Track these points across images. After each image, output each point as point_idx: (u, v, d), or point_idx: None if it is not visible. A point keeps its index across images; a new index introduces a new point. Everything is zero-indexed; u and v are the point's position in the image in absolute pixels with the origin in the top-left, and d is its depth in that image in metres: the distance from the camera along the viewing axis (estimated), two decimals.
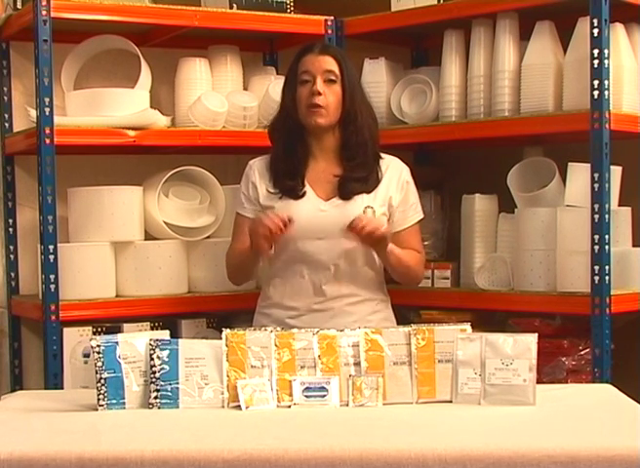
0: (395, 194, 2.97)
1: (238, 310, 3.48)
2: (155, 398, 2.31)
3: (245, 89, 3.72)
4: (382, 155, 3.02)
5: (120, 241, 3.40)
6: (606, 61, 3.11)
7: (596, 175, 3.12)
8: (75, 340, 3.28)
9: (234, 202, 3.14)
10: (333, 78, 2.92)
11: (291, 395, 2.33)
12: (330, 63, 2.93)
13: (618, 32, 3.26)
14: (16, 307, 3.58)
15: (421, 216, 3.04)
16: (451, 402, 2.37)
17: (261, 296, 3.05)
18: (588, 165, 3.14)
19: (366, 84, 3.62)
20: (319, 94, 2.89)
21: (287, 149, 2.97)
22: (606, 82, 3.11)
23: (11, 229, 3.60)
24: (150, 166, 3.61)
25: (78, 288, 3.30)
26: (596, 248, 3.11)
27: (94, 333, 3.27)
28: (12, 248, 3.61)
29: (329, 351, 2.38)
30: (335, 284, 2.92)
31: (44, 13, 3.18)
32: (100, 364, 2.30)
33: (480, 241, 3.54)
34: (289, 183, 2.94)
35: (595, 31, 3.10)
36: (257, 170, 3.02)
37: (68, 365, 3.27)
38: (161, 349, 2.33)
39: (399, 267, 2.95)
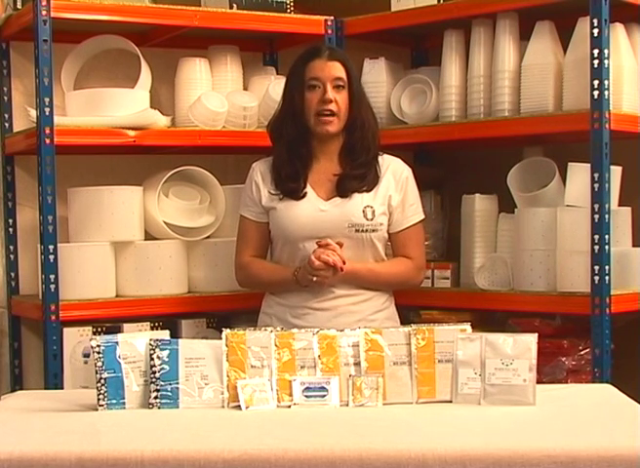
0: (395, 194, 2.98)
1: (238, 310, 3.48)
2: (155, 398, 2.31)
3: (245, 89, 3.72)
4: (384, 155, 3.03)
5: (120, 241, 3.40)
6: (606, 61, 3.11)
7: (596, 175, 3.12)
8: (75, 340, 3.28)
9: (238, 204, 3.13)
10: (341, 84, 2.93)
11: (291, 395, 2.33)
12: (338, 70, 2.93)
13: (618, 32, 3.26)
14: (16, 307, 3.58)
15: (422, 217, 3.05)
16: (451, 402, 2.37)
17: (266, 297, 3.06)
18: (588, 165, 3.14)
19: (366, 84, 3.62)
20: (331, 101, 2.90)
21: (290, 152, 2.97)
22: (606, 82, 3.11)
23: (11, 229, 3.60)
24: (150, 166, 3.61)
25: (78, 288, 3.30)
26: (596, 248, 3.11)
27: (94, 333, 3.27)
28: (12, 248, 3.61)
29: (329, 351, 2.38)
30: (338, 282, 2.93)
31: (44, 13, 3.18)
32: (100, 364, 2.30)
33: (480, 241, 3.54)
34: (291, 185, 2.95)
35: (595, 31, 3.10)
36: (259, 172, 3.03)
37: (68, 365, 3.27)
38: (161, 349, 2.33)
39: (376, 285, 2.98)
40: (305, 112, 2.94)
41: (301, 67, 2.96)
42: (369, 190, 2.95)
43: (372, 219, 2.93)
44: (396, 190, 2.99)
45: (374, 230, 2.93)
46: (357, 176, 2.95)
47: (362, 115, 2.96)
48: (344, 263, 2.83)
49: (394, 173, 3.01)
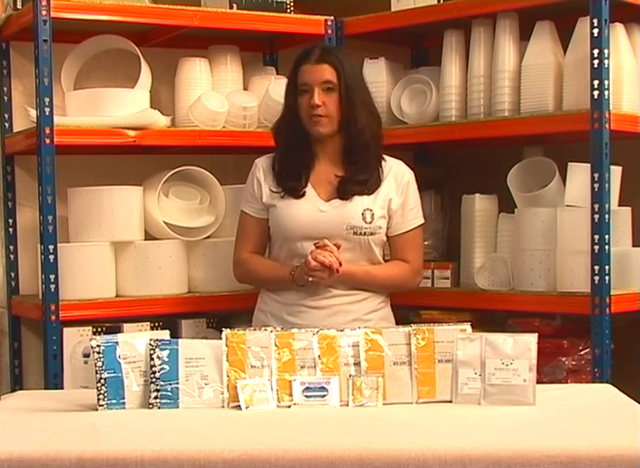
0: (395, 197, 2.97)
1: (238, 310, 3.48)
2: (155, 398, 2.31)
3: (245, 89, 3.72)
4: (387, 158, 3.02)
5: (120, 241, 3.40)
6: (606, 61, 3.11)
7: (596, 175, 3.12)
8: (75, 340, 3.28)
9: (238, 204, 3.13)
10: (331, 87, 2.92)
11: (291, 395, 2.33)
12: (327, 73, 2.92)
13: (618, 32, 3.26)
14: (16, 307, 3.58)
15: (422, 222, 3.04)
16: (451, 402, 2.37)
17: (261, 293, 3.06)
18: (588, 165, 3.15)
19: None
20: (318, 106, 2.89)
21: (291, 152, 2.98)
22: (606, 82, 3.11)
23: (11, 229, 3.60)
24: (150, 166, 3.61)
25: (78, 288, 3.30)
26: (596, 248, 3.11)
27: (94, 333, 3.27)
28: (12, 248, 3.61)
29: (329, 351, 2.38)
30: (334, 283, 2.92)
31: (44, 13, 3.18)
32: (100, 364, 2.30)
33: (480, 241, 3.54)
34: (292, 184, 2.95)
35: (595, 31, 3.10)
36: (262, 168, 3.03)
37: (68, 365, 3.27)
38: (161, 349, 2.33)
39: (372, 287, 2.98)
40: (300, 116, 2.95)
41: (294, 72, 2.97)
42: (369, 193, 2.95)
43: (370, 223, 2.93)
44: (397, 194, 2.98)
45: (372, 233, 2.93)
46: (359, 182, 2.94)
47: (356, 114, 2.93)
48: (341, 265, 2.83)
49: (396, 176, 3.00)
